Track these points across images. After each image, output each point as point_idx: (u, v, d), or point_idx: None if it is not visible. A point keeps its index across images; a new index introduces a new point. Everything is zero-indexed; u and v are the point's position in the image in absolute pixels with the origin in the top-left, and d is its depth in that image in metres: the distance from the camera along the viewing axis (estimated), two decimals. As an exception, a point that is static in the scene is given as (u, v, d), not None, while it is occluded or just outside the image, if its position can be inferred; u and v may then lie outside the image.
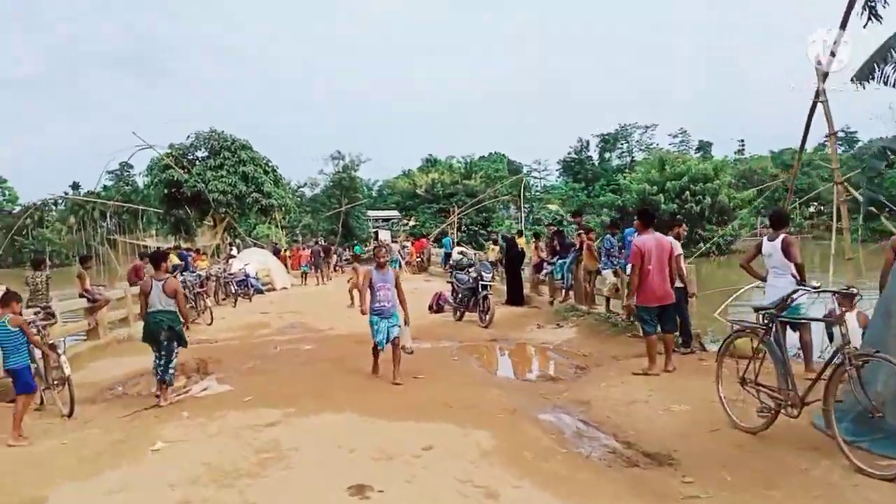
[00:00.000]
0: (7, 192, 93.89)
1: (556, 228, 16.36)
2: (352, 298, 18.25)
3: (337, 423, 6.86)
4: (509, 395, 7.86)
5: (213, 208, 34.17)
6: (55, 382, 7.81)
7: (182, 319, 8.66)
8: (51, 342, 7.83)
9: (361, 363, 9.99)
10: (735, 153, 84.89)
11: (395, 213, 72.37)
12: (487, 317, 13.26)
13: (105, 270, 39.65)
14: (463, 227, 49.43)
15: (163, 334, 8.36)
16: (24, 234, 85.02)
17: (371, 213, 66.34)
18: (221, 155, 33.94)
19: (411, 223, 58.66)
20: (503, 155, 78.16)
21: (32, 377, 7.18)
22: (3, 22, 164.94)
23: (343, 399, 7.74)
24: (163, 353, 8.41)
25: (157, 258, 9.01)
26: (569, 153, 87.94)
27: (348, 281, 20.04)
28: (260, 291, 23.92)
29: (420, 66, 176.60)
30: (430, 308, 16.47)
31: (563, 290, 14.19)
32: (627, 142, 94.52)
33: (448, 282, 23.40)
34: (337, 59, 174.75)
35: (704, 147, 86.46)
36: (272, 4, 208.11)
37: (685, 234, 13.10)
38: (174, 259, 19.19)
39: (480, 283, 13.58)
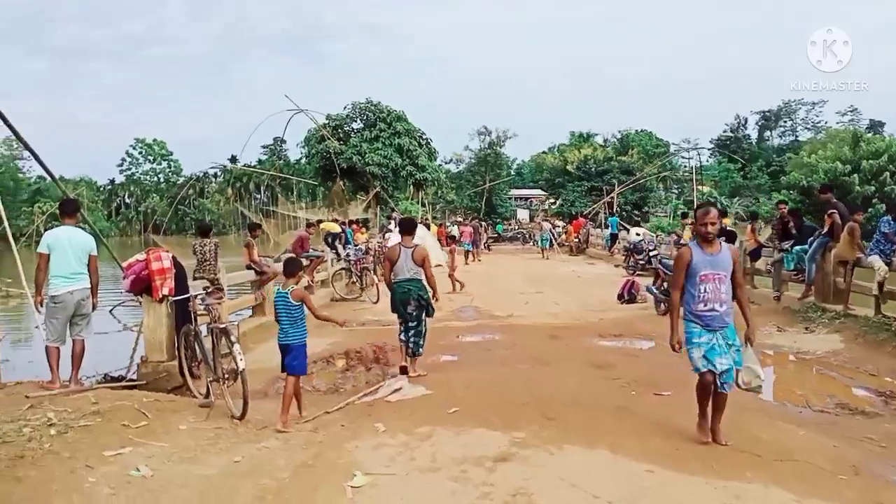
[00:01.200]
0: (172, 165, 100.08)
1: (787, 207, 13.45)
2: (453, 286, 16.57)
3: (595, 466, 4.91)
4: (821, 437, 5.60)
5: (367, 181, 33.50)
6: (225, 375, 6.40)
7: (430, 289, 7.98)
8: (222, 325, 6.41)
9: (573, 368, 8.08)
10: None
11: (535, 191, 69.95)
12: (709, 313, 10.85)
13: (264, 240, 40.22)
14: (616, 207, 46.29)
15: (411, 304, 7.89)
16: (186, 203, 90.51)
17: (513, 191, 64.31)
18: (377, 126, 33.14)
19: (557, 202, 56.00)
20: (650, 132, 72.94)
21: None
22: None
23: (582, 423, 5.80)
24: (410, 324, 7.92)
25: (410, 226, 8.57)
26: (724, 131, 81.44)
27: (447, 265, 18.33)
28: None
29: (567, 41, 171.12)
30: (620, 297, 14.26)
31: (805, 285, 11.48)
32: (791, 119, 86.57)
33: (624, 266, 21.23)
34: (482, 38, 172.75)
35: (875, 127, 76.87)
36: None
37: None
38: (334, 227, 18.12)
39: (701, 271, 11.16)
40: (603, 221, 41.95)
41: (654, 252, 20.00)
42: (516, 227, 50.54)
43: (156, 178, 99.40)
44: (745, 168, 74.27)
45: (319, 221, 18.88)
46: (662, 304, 12.33)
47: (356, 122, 34.74)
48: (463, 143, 66.96)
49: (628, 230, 27.61)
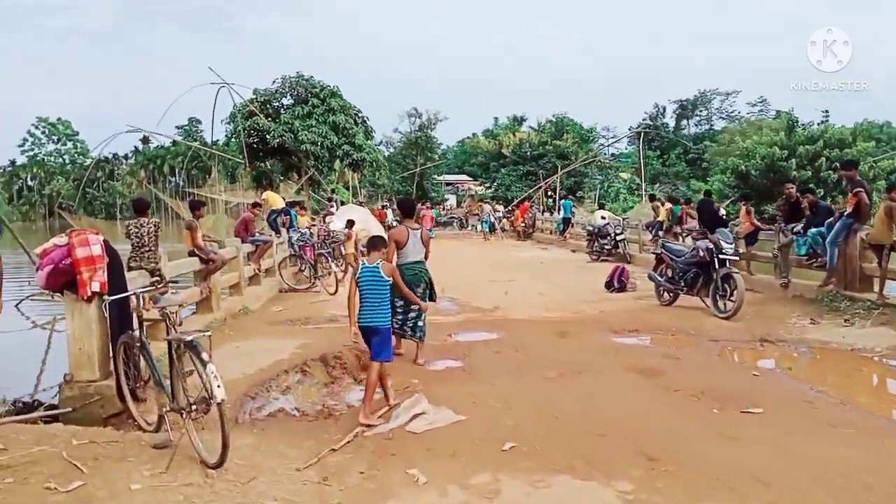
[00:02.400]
0: (79, 145, 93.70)
1: (793, 186, 12.31)
2: None
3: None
4: None
5: (299, 161, 31.16)
6: (192, 406, 4.53)
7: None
8: (187, 337, 4.51)
9: (618, 377, 6.62)
10: (818, 124, 76.32)
11: (462, 177, 68.52)
12: (733, 304, 9.61)
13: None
14: (549, 192, 45.43)
15: (420, 287, 7.49)
16: (94, 186, 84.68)
17: (438, 177, 62.73)
18: (310, 103, 30.74)
19: (491, 187, 54.75)
20: (571, 119, 72.18)
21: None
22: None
23: (697, 466, 4.29)
24: (412, 306, 7.31)
25: (410, 207, 8.57)
26: (644, 119, 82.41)
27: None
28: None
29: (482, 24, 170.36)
30: (609, 285, 12.92)
31: (826, 271, 10.36)
32: (707, 108, 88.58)
33: (588, 251, 20.00)
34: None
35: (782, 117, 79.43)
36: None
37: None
38: (278, 201, 16.05)
39: (718, 256, 9.89)
40: (542, 206, 41.08)
41: (622, 236, 18.89)
42: (451, 213, 49.23)
43: (61, 160, 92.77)
44: (663, 155, 75.26)
45: (265, 200, 16.67)
46: (666, 293, 11.04)
47: (286, 97, 32.26)
48: (391, 126, 65.14)
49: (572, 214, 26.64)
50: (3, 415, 5.92)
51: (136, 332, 5.30)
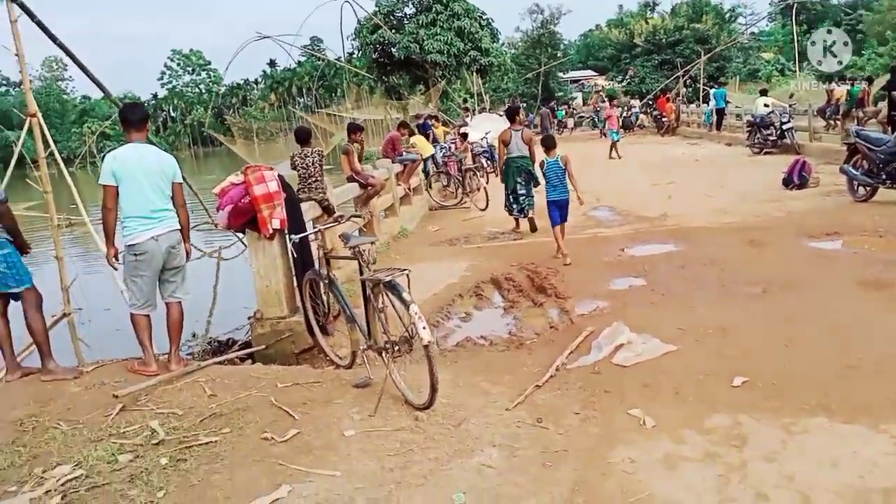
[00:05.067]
0: (212, 74, 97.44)
1: None
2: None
3: None
4: None
5: (425, 72, 30.55)
6: (394, 345, 4.31)
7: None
8: (386, 276, 4.22)
9: (845, 294, 5.86)
10: None
11: (587, 72, 65.14)
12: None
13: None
14: (688, 81, 42.23)
15: (523, 175, 9.44)
16: (230, 112, 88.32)
17: (563, 75, 59.86)
18: (433, 10, 29.73)
19: (623, 81, 51.74)
20: None
21: None
22: None
23: None
24: (520, 192, 9.63)
25: (513, 112, 10.37)
26: (786, -9, 74.14)
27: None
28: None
29: None
30: (787, 182, 11.70)
31: None
32: (861, -29, 78.58)
33: (748, 145, 18.34)
34: None
35: None
36: None
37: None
38: (427, 149, 15.09)
39: (933, 143, 8.56)
40: (684, 97, 38.36)
41: (789, 125, 17.12)
42: (580, 111, 47.11)
43: (197, 90, 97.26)
44: (810, 30, 67.97)
45: (419, 117, 16.28)
46: (862, 188, 9.81)
47: (408, 6, 31.41)
48: (513, 25, 62.71)
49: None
50: (203, 353, 6.07)
51: (323, 270, 5.15)
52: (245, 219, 5.52)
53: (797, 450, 3.39)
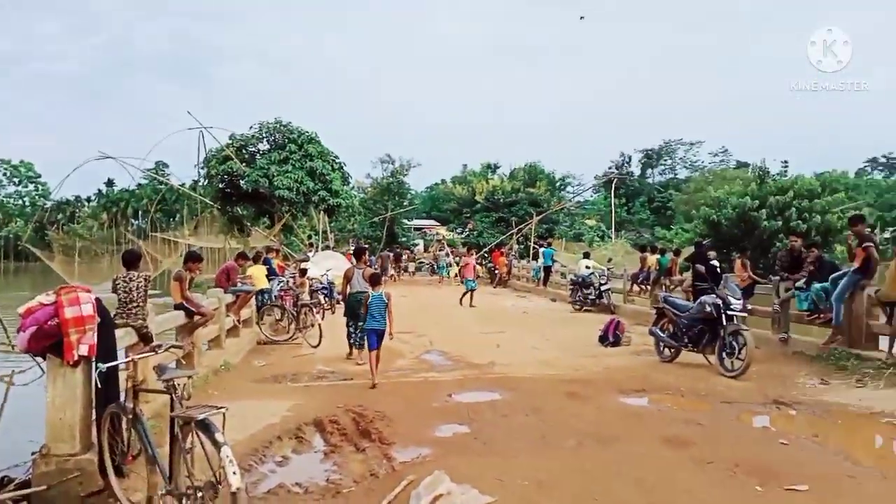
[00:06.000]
0: (40, 187, 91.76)
1: (800, 241, 12.13)
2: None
3: None
4: None
5: (273, 206, 30.57)
6: (197, 492, 3.96)
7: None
8: (199, 415, 3.95)
9: (651, 450, 6.22)
10: (776, 175, 76.99)
11: (431, 221, 68.18)
12: (741, 363, 9.30)
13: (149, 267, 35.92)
14: (520, 239, 45.41)
15: (362, 308, 9.57)
16: (54, 228, 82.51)
17: (408, 222, 62.35)
18: (287, 148, 30.34)
19: (464, 232, 54.53)
20: (541, 166, 71.84)
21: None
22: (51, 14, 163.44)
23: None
24: (360, 324, 10.23)
25: (360, 251, 11.88)
26: (609, 167, 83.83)
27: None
28: (338, 302, 20.07)
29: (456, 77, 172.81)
30: (603, 339, 12.55)
31: (832, 328, 10.15)
32: (671, 158, 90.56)
33: (570, 301, 19.67)
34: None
35: (741, 167, 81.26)
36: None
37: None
38: (262, 281, 14.68)
39: (725, 311, 9.61)
40: (516, 252, 40.93)
41: (607, 286, 18.65)
42: (421, 258, 48.69)
43: (21, 202, 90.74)
44: (628, 203, 76.35)
45: (261, 252, 15.95)
46: (667, 350, 10.72)
47: (262, 143, 31.85)
48: (364, 172, 65.29)
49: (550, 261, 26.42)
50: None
51: (129, 403, 4.75)
52: (49, 342, 5.04)
53: None
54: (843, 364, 9.52)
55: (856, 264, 9.84)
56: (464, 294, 21.02)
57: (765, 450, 6.32)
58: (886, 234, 58.11)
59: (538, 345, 12.56)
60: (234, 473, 3.69)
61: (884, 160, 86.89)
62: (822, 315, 10.44)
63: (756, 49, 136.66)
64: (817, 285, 10.46)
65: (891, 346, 9.24)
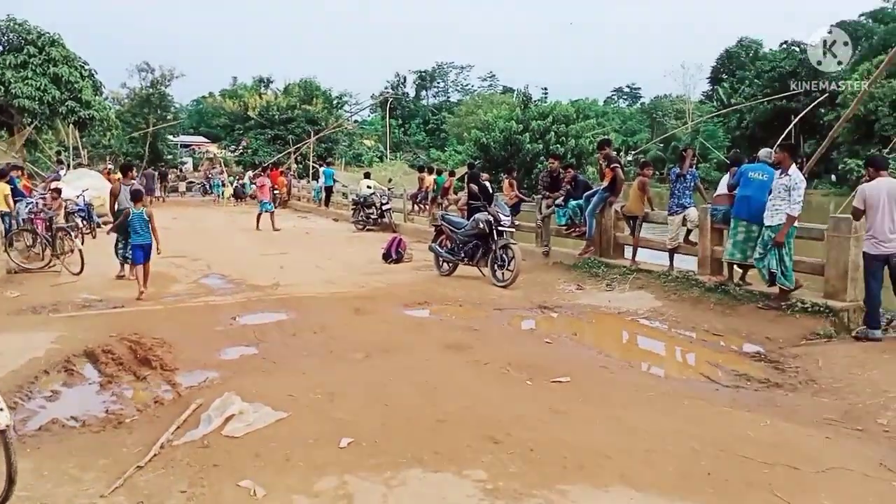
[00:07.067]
0: None
1: (558, 162, 13.17)
2: None
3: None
4: (802, 428, 4.95)
5: (11, 118, 26.80)
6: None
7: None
8: None
9: (433, 356, 6.67)
10: (537, 100, 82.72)
11: (200, 138, 63.94)
12: (510, 274, 10.13)
13: None
14: (298, 158, 44.48)
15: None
16: None
17: (174, 138, 57.96)
18: (25, 51, 26.48)
19: (222, 152, 52.03)
20: (317, 82, 69.86)
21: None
22: None
23: (539, 446, 4.39)
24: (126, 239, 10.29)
25: (127, 168, 12.12)
26: (385, 88, 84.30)
27: None
28: (98, 225, 18.40)
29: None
30: (387, 256, 12.93)
31: (586, 241, 11.35)
32: (444, 81, 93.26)
33: (353, 221, 19.77)
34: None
35: (507, 92, 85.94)
36: None
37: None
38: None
39: (496, 227, 10.33)
40: (295, 172, 40.04)
41: (388, 206, 19.06)
42: (191, 177, 45.81)
43: None
44: (405, 125, 77.84)
45: (4, 170, 13.76)
46: (446, 264, 11.33)
47: (-8, 43, 27.50)
48: (119, 80, 58.90)
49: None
50: None
51: None
52: None
53: (397, 500, 3.69)
54: (595, 271, 10.75)
55: (604, 183, 11.02)
56: (258, 216, 19.15)
57: (532, 349, 7.07)
58: (630, 157, 65.52)
59: (322, 264, 12.62)
60: (1, 411, 3.37)
61: (628, 90, 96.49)
62: (577, 229, 11.64)
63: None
64: (573, 202, 11.60)
65: (634, 255, 10.59)
